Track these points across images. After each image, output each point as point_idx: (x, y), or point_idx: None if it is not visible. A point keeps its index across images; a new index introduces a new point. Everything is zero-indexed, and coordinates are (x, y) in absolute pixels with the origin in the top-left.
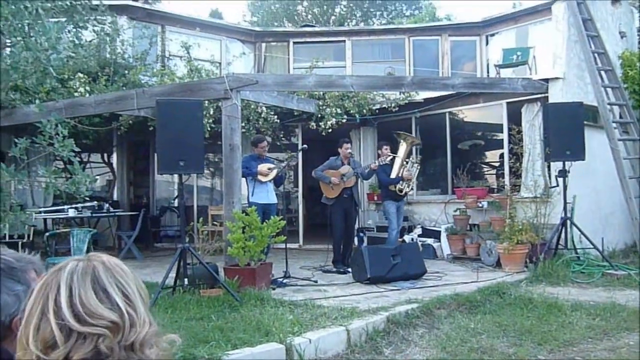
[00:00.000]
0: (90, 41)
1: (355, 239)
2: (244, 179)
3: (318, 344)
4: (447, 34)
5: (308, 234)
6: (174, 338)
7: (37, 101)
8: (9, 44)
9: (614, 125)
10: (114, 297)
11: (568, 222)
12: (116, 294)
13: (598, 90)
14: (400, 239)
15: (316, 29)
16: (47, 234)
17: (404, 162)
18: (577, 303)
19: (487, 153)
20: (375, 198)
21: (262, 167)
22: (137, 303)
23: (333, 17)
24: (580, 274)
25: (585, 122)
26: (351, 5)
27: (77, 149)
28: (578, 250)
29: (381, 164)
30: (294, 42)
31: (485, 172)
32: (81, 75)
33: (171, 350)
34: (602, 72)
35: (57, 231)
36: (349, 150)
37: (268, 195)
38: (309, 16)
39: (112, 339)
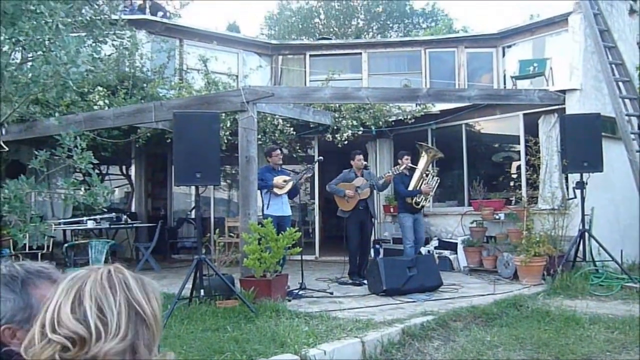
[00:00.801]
0: (109, 55)
1: (372, 251)
2: (259, 191)
3: (333, 356)
4: (463, 45)
5: (324, 246)
6: (168, 355)
7: (57, 114)
8: (30, 58)
9: (632, 136)
10: (85, 309)
11: (586, 234)
12: (89, 307)
13: (616, 101)
14: (423, 251)
15: (332, 41)
16: (65, 245)
17: (424, 175)
18: (596, 316)
19: (504, 165)
20: (392, 210)
21: (278, 179)
22: (111, 318)
23: (350, 30)
24: (599, 286)
25: (602, 134)
26: (368, 17)
27: (95, 161)
28: (596, 263)
29: (395, 173)
30: (310, 55)
31: (503, 184)
32: (100, 88)
33: None
34: (620, 83)
35: (76, 242)
36: (362, 162)
37: (283, 208)
38: (326, 29)
39: (76, 352)
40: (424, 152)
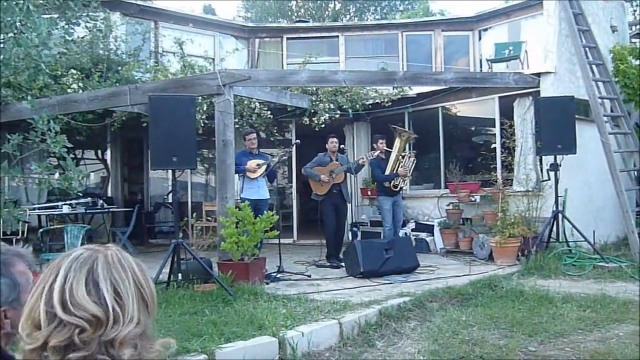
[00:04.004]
0: (82, 37)
1: (349, 234)
2: (235, 175)
3: (311, 337)
4: (440, 29)
5: (302, 229)
6: (169, 342)
7: (29, 97)
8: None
9: (605, 119)
10: (102, 292)
11: (560, 215)
12: (106, 289)
13: (589, 84)
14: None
15: (309, 24)
16: (40, 230)
17: (399, 157)
18: (568, 295)
19: (480, 147)
20: (369, 193)
21: (251, 163)
22: (127, 301)
23: (327, 13)
24: (572, 266)
25: (576, 116)
26: (345, 1)
27: (69, 145)
28: (570, 243)
29: (370, 158)
30: (288, 38)
31: (479, 167)
32: (74, 71)
33: (165, 353)
34: (593, 66)
35: (51, 227)
36: (335, 145)
37: (259, 191)
38: (302, 11)
39: (91, 333)
40: (398, 135)
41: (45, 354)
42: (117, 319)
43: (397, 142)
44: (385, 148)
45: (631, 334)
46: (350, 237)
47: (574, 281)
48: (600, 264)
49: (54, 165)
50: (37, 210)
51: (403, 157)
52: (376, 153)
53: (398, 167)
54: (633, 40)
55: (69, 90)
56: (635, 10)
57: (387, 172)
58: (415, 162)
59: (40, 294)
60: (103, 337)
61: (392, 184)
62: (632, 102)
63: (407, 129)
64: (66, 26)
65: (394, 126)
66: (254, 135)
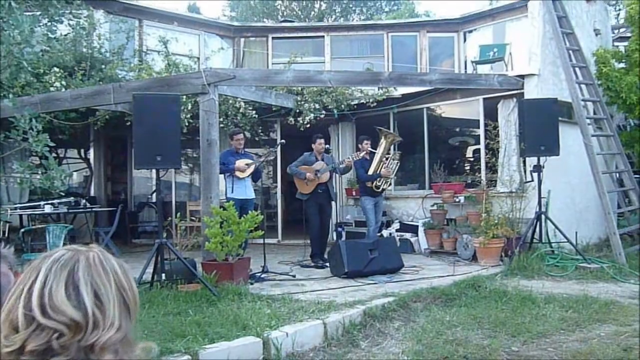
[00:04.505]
0: (65, 35)
1: (334, 234)
2: (221, 174)
3: (295, 338)
4: (425, 30)
5: (287, 229)
6: (150, 346)
7: (11, 96)
8: None
9: (588, 121)
10: (83, 296)
11: (542, 216)
12: (86, 293)
13: (572, 86)
14: (379, 234)
15: (295, 24)
16: (22, 230)
17: (383, 159)
18: (551, 296)
19: (464, 148)
20: (354, 193)
21: (240, 162)
22: (108, 306)
23: (312, 13)
24: (554, 267)
25: (559, 118)
26: (331, 0)
27: (51, 144)
28: (552, 244)
29: (355, 159)
30: (273, 38)
31: (463, 168)
32: (57, 69)
33: (146, 357)
34: (577, 69)
35: (33, 227)
36: (322, 146)
37: (246, 191)
38: (288, 11)
39: (70, 338)
40: (382, 137)
41: (23, 358)
42: (97, 324)
43: (382, 144)
44: (370, 149)
45: (613, 334)
46: (334, 237)
47: (556, 282)
48: (583, 264)
49: (36, 165)
50: (18, 210)
51: (387, 158)
52: (362, 154)
53: (381, 168)
54: (616, 43)
55: (51, 89)
56: (618, 14)
57: (371, 172)
58: (398, 164)
59: (19, 296)
60: (82, 342)
61: (374, 184)
62: (615, 104)
63: (392, 129)
64: (49, 24)
65: (379, 128)
66: (242, 135)
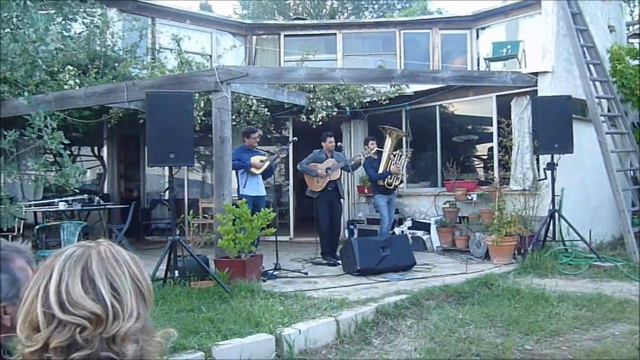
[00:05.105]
0: (79, 33)
1: (346, 232)
2: (234, 171)
3: (308, 335)
4: (437, 27)
5: (299, 227)
6: (170, 332)
7: (26, 94)
8: None
9: (602, 118)
10: (100, 289)
11: (556, 214)
12: (103, 286)
13: (586, 83)
14: (391, 232)
15: (307, 21)
16: (37, 227)
17: (391, 156)
18: (564, 294)
19: (477, 146)
20: (366, 191)
21: (255, 159)
22: (125, 297)
23: (324, 11)
24: (568, 265)
25: (573, 116)
26: None
27: (66, 142)
28: (566, 243)
29: (366, 156)
30: (285, 35)
31: (476, 165)
32: (71, 67)
33: (166, 344)
34: (591, 66)
35: (48, 224)
36: (332, 144)
37: (259, 188)
38: (300, 9)
39: (92, 331)
40: (387, 135)
41: (47, 355)
42: (116, 315)
43: (388, 141)
44: (377, 148)
45: (627, 333)
46: (347, 235)
47: (570, 280)
48: (596, 263)
49: (51, 162)
50: (33, 207)
51: (394, 155)
52: (372, 150)
53: (390, 165)
54: (631, 40)
55: (65, 87)
56: (632, 11)
57: (380, 170)
58: (407, 159)
59: (35, 296)
60: (104, 334)
61: (386, 182)
62: (629, 102)
63: (404, 127)
64: (63, 22)
65: (382, 126)
66: (258, 134)
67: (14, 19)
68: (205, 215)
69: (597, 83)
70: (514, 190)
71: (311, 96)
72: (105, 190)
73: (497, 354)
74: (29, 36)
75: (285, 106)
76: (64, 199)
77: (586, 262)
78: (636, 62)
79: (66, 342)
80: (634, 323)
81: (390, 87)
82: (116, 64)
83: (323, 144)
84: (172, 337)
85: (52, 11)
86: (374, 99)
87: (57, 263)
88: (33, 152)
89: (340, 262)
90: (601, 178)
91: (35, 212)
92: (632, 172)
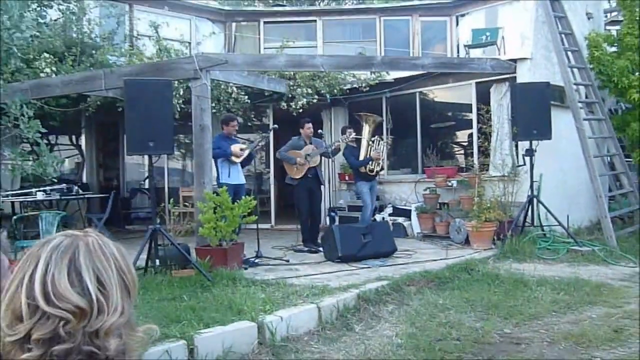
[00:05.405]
0: (55, 20)
1: (327, 219)
2: (213, 159)
3: (290, 322)
4: (417, 14)
5: (280, 214)
6: (152, 328)
7: (1, 82)
8: None
9: (580, 105)
10: (86, 282)
11: (534, 200)
12: (89, 279)
13: (565, 70)
14: (372, 218)
15: (287, 8)
16: (14, 217)
17: (370, 142)
18: (543, 278)
19: (457, 133)
20: (347, 178)
21: (235, 147)
22: (111, 291)
23: None
24: (546, 250)
25: (552, 102)
26: None
27: (43, 130)
28: (544, 228)
29: (345, 141)
30: (265, 22)
31: (455, 152)
32: (47, 55)
33: (148, 339)
34: (569, 53)
35: (26, 214)
36: (311, 130)
37: (239, 176)
38: None
39: (76, 324)
40: (364, 122)
41: (28, 347)
42: (101, 309)
43: (365, 128)
44: (356, 136)
45: (604, 315)
46: (328, 222)
47: (548, 265)
48: (574, 247)
49: (28, 151)
50: (10, 197)
51: (373, 141)
52: (351, 136)
53: (370, 151)
54: (608, 27)
55: (41, 75)
56: None
57: (361, 158)
58: (387, 145)
59: (19, 284)
60: (87, 328)
61: (367, 168)
62: (607, 88)
63: (384, 114)
64: (38, 9)
65: (358, 113)
66: (236, 122)
67: None
68: (186, 203)
69: (575, 70)
70: (494, 177)
71: (291, 83)
72: (84, 180)
73: (477, 338)
74: (3, 23)
75: (266, 93)
76: (42, 188)
77: (564, 247)
78: (614, 49)
79: (49, 335)
80: (610, 306)
81: (371, 74)
82: (93, 52)
83: (301, 130)
84: (154, 333)
85: None
86: (355, 86)
87: (44, 253)
88: (9, 141)
89: (321, 249)
90: (579, 164)
91: (12, 202)
92: (609, 158)
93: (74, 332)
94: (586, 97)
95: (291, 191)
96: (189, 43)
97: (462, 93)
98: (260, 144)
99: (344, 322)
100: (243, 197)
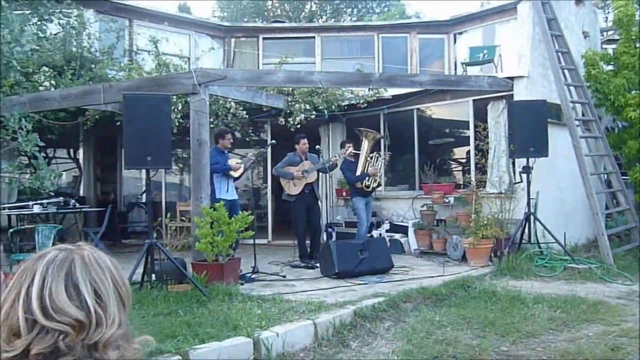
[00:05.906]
0: (55, 34)
1: (325, 235)
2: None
3: (286, 338)
4: (415, 31)
5: (277, 230)
6: (148, 339)
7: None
8: None
9: (577, 122)
10: (84, 295)
11: (531, 217)
12: (87, 292)
13: (561, 88)
14: (369, 235)
15: (286, 24)
16: (11, 230)
17: (368, 158)
18: (540, 296)
19: (454, 149)
20: (344, 194)
21: (233, 161)
22: (108, 303)
23: (303, 14)
24: (543, 267)
25: (548, 120)
26: (321, 1)
27: (41, 144)
28: (541, 245)
29: (342, 157)
30: (264, 38)
31: (453, 169)
32: (46, 69)
33: (143, 351)
34: (566, 71)
35: (22, 227)
36: (306, 146)
37: (234, 192)
38: (279, 12)
39: (75, 337)
40: (363, 137)
41: None
42: (99, 322)
43: (364, 143)
44: (354, 151)
45: (601, 333)
46: (325, 238)
47: (545, 282)
48: (571, 265)
49: (25, 164)
50: (7, 210)
51: (371, 157)
52: (348, 151)
53: (368, 167)
54: (604, 46)
55: (40, 88)
56: (606, 17)
57: (358, 173)
58: (384, 161)
59: (15, 299)
60: (86, 341)
61: (364, 184)
62: (603, 106)
63: (382, 130)
64: (39, 23)
65: (359, 129)
66: (230, 135)
67: None
68: (183, 218)
69: (572, 88)
70: (491, 194)
71: (289, 99)
72: (81, 193)
73: (474, 356)
74: (4, 37)
75: (264, 109)
76: (38, 201)
77: (561, 264)
78: (610, 67)
79: (48, 349)
80: (607, 324)
81: (369, 91)
82: (93, 66)
83: (297, 146)
84: (150, 344)
85: (28, 11)
86: (352, 102)
87: (39, 267)
88: (7, 154)
89: (318, 265)
90: (576, 182)
91: (9, 215)
92: (605, 176)
93: (73, 345)
94: (583, 115)
95: (288, 207)
96: (188, 58)
97: (460, 110)
98: (257, 158)
99: (340, 338)
100: (240, 212)
